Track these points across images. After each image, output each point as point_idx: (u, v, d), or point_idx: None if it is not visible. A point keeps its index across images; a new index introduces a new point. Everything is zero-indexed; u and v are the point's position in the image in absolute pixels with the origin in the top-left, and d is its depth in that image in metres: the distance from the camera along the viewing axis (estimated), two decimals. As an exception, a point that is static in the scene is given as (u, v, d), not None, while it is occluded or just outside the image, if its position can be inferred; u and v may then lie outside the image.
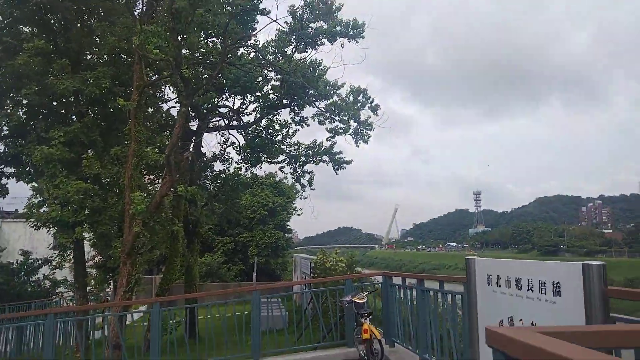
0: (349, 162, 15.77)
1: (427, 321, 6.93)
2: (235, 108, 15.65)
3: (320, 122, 14.91)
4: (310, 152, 16.17)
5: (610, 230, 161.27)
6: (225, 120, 16.06)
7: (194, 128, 15.70)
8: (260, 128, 16.48)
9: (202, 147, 16.88)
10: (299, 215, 46.14)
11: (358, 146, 14.45)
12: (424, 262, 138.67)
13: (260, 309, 8.80)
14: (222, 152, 17.15)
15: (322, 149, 15.81)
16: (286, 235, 40.41)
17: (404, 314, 8.01)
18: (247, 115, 16.05)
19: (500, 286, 3.46)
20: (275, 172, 41.87)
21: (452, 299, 6.04)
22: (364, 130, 14.33)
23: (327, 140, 15.05)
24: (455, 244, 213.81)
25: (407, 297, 7.94)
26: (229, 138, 17.03)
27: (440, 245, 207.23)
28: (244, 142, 17.48)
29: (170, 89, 14.31)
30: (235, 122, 16.11)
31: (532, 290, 3.07)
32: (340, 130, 14.49)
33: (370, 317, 7.70)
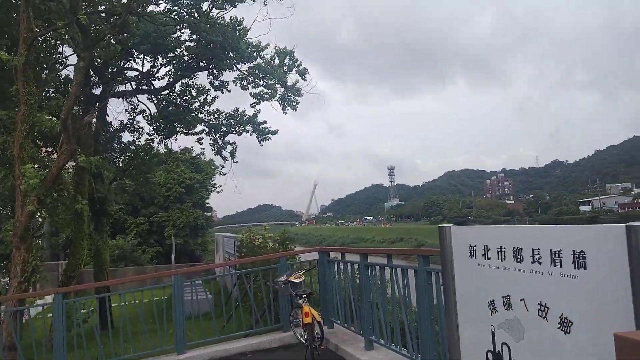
0: (274, 132, 14.78)
1: (373, 300, 6.36)
2: (144, 71, 13.92)
3: (243, 87, 13.70)
4: (232, 121, 14.92)
5: (512, 202, 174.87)
6: (133, 84, 14.30)
7: (98, 93, 13.83)
8: (174, 94, 14.92)
9: (108, 115, 15.03)
10: (218, 192, 44.51)
11: (286, 113, 13.50)
12: (343, 236, 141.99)
13: (182, 294, 7.78)
14: (130, 120, 15.37)
15: (245, 117, 14.66)
16: (206, 213, 38.73)
17: (345, 292, 7.41)
18: (159, 79, 14.45)
19: (489, 259, 2.84)
20: (192, 147, 39.86)
21: (404, 275, 5.47)
22: (292, 96, 13.40)
23: (252, 106, 13.90)
24: (371, 217, 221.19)
25: (347, 273, 7.34)
26: (138, 105, 15.29)
27: (358, 220, 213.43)
28: (156, 111, 15.84)
29: (70, 49, 12.33)
30: (145, 87, 14.40)
31: (539, 263, 2.46)
32: (265, 96, 13.39)
33: (309, 298, 7.01)
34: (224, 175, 44.91)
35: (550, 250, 2.38)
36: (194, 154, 38.83)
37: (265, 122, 14.70)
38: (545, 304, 2.43)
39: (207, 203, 38.43)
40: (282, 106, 13.48)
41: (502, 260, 2.74)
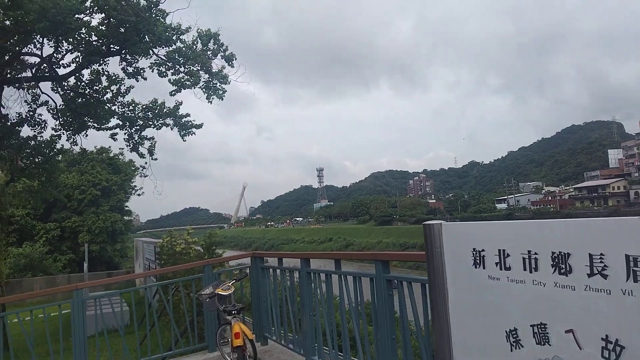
0: (198, 127, 13.32)
1: (316, 314, 5.39)
2: (45, 56, 11.95)
3: (161, 74, 12.13)
4: (149, 113, 13.29)
5: (434, 200, 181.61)
6: (32, 71, 12.29)
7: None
8: (83, 84, 13.05)
9: (3, 107, 12.90)
10: (139, 195, 41.61)
11: (211, 102, 12.09)
12: (273, 237, 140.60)
13: (84, 312, 6.40)
14: (30, 113, 13.26)
15: (165, 110, 13.09)
16: (125, 217, 35.93)
17: (282, 304, 6.37)
18: (64, 67, 12.55)
19: (508, 268, 1.97)
20: (109, 147, 36.85)
21: (355, 283, 4.53)
22: (218, 84, 12.07)
23: (171, 94, 12.34)
24: (301, 218, 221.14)
25: (285, 281, 6.31)
26: (40, 95, 13.24)
27: (288, 221, 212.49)
28: (62, 103, 13.88)
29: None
30: (47, 73, 12.41)
31: (603, 276, 1.61)
32: (187, 83, 11.91)
33: (240, 313, 5.91)
34: (145, 177, 42.57)
35: (628, 257, 1.53)
36: (111, 154, 35.95)
37: (188, 114, 13.26)
38: (617, 341, 1.58)
39: (126, 206, 35.66)
40: (206, 95, 12.10)
41: (532, 272, 1.87)
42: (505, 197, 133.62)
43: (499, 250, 2.02)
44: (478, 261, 2.13)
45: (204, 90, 12.00)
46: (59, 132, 14.74)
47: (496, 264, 2.03)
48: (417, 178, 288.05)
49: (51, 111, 14.45)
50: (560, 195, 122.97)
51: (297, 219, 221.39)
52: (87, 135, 14.85)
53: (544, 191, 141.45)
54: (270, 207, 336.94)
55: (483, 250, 2.10)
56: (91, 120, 14.25)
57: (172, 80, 12.00)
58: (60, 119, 14.59)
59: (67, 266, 30.38)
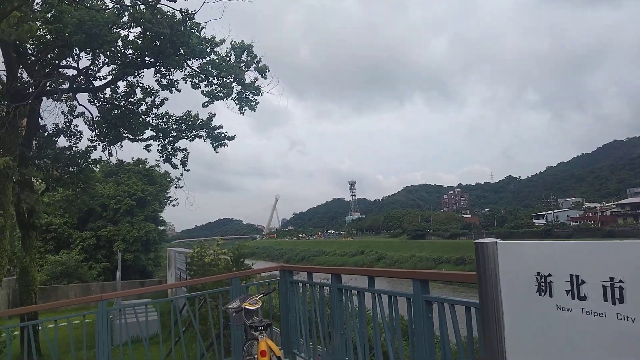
0: (231, 138, 13.27)
1: (347, 328, 5.07)
2: (82, 68, 12.16)
3: (194, 86, 12.14)
4: (183, 125, 13.35)
5: (469, 215, 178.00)
6: (69, 83, 12.52)
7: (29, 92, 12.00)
8: (118, 96, 13.23)
9: (42, 117, 13.20)
10: (174, 205, 42.17)
11: (243, 114, 12.01)
12: (305, 249, 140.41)
13: (107, 324, 6.26)
14: (67, 124, 13.53)
15: (198, 121, 13.12)
16: (159, 227, 36.43)
17: (312, 320, 6.06)
18: (100, 79, 12.72)
19: (583, 298, 1.62)
20: (146, 159, 37.59)
21: (391, 302, 4.18)
22: (250, 95, 11.98)
23: (204, 106, 12.35)
24: (332, 231, 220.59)
25: (315, 296, 6.00)
26: (76, 107, 13.50)
27: (319, 233, 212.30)
28: (98, 114, 14.11)
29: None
30: (83, 85, 12.61)
31: None
32: (220, 95, 11.87)
33: (267, 330, 5.63)
34: (179, 187, 43.21)
35: None
36: (148, 166, 36.64)
37: (221, 126, 13.25)
38: None
39: (161, 216, 36.12)
40: (239, 106, 12.05)
41: (616, 304, 1.51)
42: (544, 213, 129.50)
43: (571, 276, 1.67)
44: (543, 288, 1.78)
45: (236, 101, 11.95)
46: (94, 143, 14.98)
47: (567, 292, 1.69)
48: (451, 192, 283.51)
49: (87, 122, 14.72)
50: (602, 212, 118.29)
51: (329, 231, 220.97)
52: (122, 147, 15.06)
53: (584, 207, 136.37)
54: (302, 219, 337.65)
55: (550, 275, 1.75)
56: (126, 132, 14.42)
57: (204, 92, 12.02)
58: (97, 130, 14.83)
59: (101, 274, 30.91)
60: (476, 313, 3.12)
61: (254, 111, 11.94)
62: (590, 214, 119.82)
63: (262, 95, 11.78)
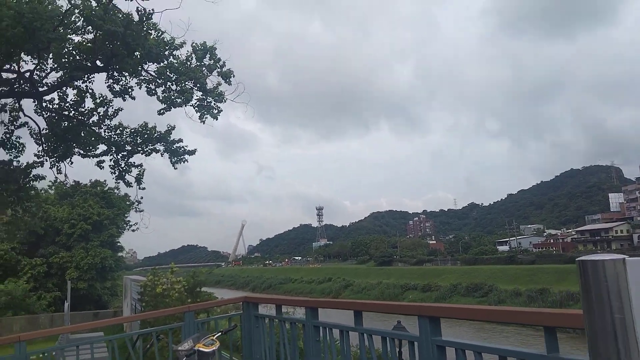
0: (191, 153, 12.15)
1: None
2: (23, 71, 10.86)
3: (150, 92, 10.98)
4: (138, 138, 12.15)
5: (434, 241, 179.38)
6: (9, 87, 11.18)
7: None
8: (67, 104, 11.96)
9: (-24, 128, 11.78)
10: (133, 230, 40.10)
11: (203, 122, 10.90)
12: (271, 276, 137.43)
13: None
14: (7, 134, 12.10)
15: (155, 134, 11.95)
16: (119, 254, 34.35)
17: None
18: (47, 86, 11.42)
19: None
20: (105, 180, 35.64)
21: (387, 346, 3.20)
22: (212, 102, 10.91)
23: (160, 113, 11.10)
24: (300, 257, 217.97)
25: (284, 334, 4.94)
26: (19, 117, 12.12)
27: (287, 260, 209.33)
28: (46, 127, 12.78)
29: None
30: (26, 88, 11.23)
31: None
32: (178, 101, 10.72)
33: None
34: (141, 211, 41.16)
35: None
36: (106, 188, 34.74)
37: (180, 140, 12.12)
38: None
39: (118, 242, 34.09)
40: (199, 114, 10.95)
41: None
42: (507, 240, 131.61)
43: None
44: None
45: (196, 108, 10.86)
46: (41, 159, 13.57)
47: None
48: (417, 219, 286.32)
49: (34, 135, 13.33)
50: (563, 238, 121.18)
51: (296, 258, 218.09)
52: (72, 163, 13.68)
53: (545, 234, 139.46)
54: (269, 246, 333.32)
55: None
56: (76, 146, 13.11)
57: (160, 97, 10.87)
58: (44, 145, 13.45)
59: (52, 304, 28.54)
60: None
61: (216, 119, 10.88)
62: (552, 241, 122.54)
63: (225, 102, 10.73)
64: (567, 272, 64.25)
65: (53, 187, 34.38)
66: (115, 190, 37.30)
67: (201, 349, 4.80)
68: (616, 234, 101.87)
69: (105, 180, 34.54)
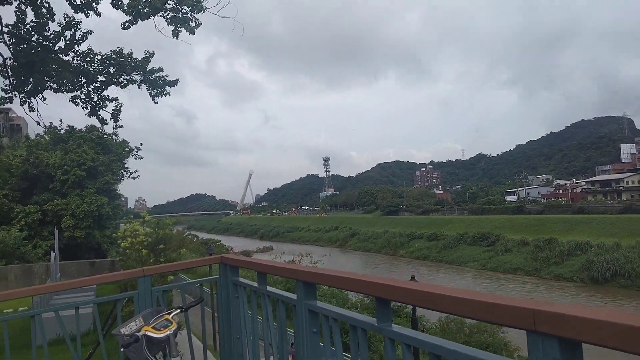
0: (172, 83, 10.31)
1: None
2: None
3: (115, 4, 9.03)
4: (111, 67, 10.38)
5: (441, 192, 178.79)
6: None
7: None
8: (27, 27, 10.14)
9: None
10: (134, 178, 38.99)
11: (177, 37, 9.06)
12: (279, 225, 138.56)
13: None
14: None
15: (130, 61, 10.13)
16: (116, 201, 33.21)
17: (266, 347, 3.52)
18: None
19: None
20: (102, 127, 34.00)
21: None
22: (189, 13, 8.97)
23: (124, 27, 9.18)
24: (307, 207, 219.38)
25: (267, 312, 3.44)
26: (-28, 42, 10.35)
27: (294, 209, 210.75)
28: (10, 56, 11.03)
29: None
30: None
31: None
32: (145, 10, 8.77)
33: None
34: (140, 158, 39.69)
35: None
36: (103, 133, 33.19)
37: (160, 69, 10.31)
38: None
39: (116, 188, 32.83)
40: (173, 27, 9.04)
41: None
42: (515, 190, 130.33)
43: None
44: None
45: (168, 20, 8.97)
46: (9, 94, 11.90)
47: None
48: (424, 169, 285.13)
49: (-1, 67, 11.59)
50: (572, 189, 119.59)
51: (303, 207, 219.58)
52: (44, 99, 11.97)
53: (554, 184, 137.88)
54: (276, 195, 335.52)
55: None
56: (48, 79, 11.38)
57: (125, 6, 8.92)
58: (12, 78, 11.73)
59: (48, 253, 27.72)
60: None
61: (193, 34, 8.99)
62: (561, 191, 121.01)
63: (204, 12, 8.81)
64: (576, 223, 63.28)
65: (46, 133, 32.89)
66: (114, 137, 35.81)
67: (149, 333, 3.34)
68: (627, 184, 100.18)
69: (102, 127, 32.96)
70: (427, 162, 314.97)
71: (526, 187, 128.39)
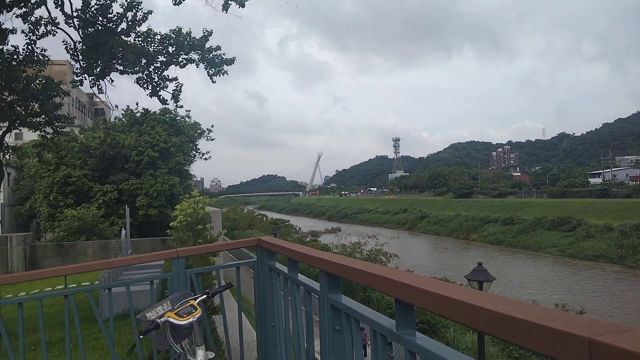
0: (230, 62, 10.21)
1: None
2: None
3: None
4: (169, 47, 10.45)
5: (519, 173, 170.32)
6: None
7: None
8: (92, 11, 10.36)
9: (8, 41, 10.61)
10: (206, 159, 40.35)
11: (226, 11, 8.72)
12: (347, 206, 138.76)
13: None
14: (29, 45, 10.84)
15: (189, 40, 10.13)
16: (187, 181, 34.47)
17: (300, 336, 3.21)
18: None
19: None
20: (175, 110, 35.28)
21: None
22: (238, -16, 8.76)
23: (174, 3, 9.20)
24: (375, 189, 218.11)
25: (296, 304, 3.11)
26: (41, 25, 10.74)
27: (362, 190, 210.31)
28: (80, 39, 11.45)
29: None
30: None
31: None
32: None
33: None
34: (211, 140, 40.96)
35: None
36: (176, 115, 34.45)
37: (218, 47, 10.23)
38: None
39: (188, 169, 34.01)
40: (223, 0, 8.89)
41: None
42: (600, 172, 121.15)
43: None
44: None
45: None
46: (80, 77, 12.42)
47: None
48: (500, 150, 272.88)
49: (70, 51, 12.09)
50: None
51: (371, 189, 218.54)
52: (112, 81, 12.36)
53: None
54: (345, 177, 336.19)
55: None
56: (114, 61, 11.69)
57: None
58: (81, 61, 12.19)
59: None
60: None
61: (243, 7, 8.69)
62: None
63: None
64: (669, 207, 57.67)
65: (124, 116, 34.65)
66: (186, 119, 37.10)
67: (171, 319, 3.13)
68: None
69: (175, 109, 34.06)
70: (504, 143, 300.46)
71: (612, 169, 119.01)
